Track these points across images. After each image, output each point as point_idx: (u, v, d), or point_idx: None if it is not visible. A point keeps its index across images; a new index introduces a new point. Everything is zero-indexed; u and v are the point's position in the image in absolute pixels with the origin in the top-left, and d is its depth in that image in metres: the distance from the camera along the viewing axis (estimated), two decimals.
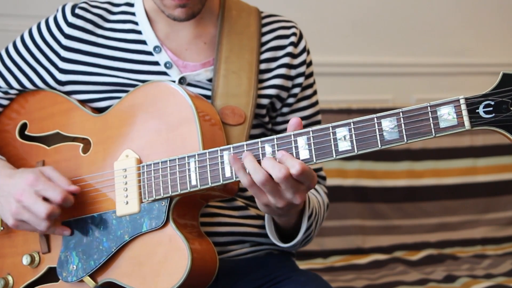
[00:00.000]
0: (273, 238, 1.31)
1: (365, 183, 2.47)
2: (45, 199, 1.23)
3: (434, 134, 1.01)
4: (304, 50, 1.44)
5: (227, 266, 1.33)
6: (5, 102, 1.46)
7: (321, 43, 2.61)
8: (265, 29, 1.43)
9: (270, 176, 1.08)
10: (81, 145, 1.33)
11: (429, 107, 1.02)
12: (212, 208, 1.34)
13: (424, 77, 2.89)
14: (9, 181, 1.26)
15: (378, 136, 1.04)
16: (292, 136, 1.10)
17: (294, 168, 1.06)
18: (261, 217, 1.41)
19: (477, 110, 0.99)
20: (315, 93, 1.48)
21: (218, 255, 1.31)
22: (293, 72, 1.42)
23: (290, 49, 1.42)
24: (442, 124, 1.01)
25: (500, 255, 2.37)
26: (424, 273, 2.15)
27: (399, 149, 2.52)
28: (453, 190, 2.56)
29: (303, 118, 1.43)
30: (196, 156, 1.16)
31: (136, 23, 1.39)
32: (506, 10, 3.00)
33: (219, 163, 1.14)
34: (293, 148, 1.09)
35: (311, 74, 1.47)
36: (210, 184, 1.15)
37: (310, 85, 1.46)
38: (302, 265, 1.95)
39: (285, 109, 1.43)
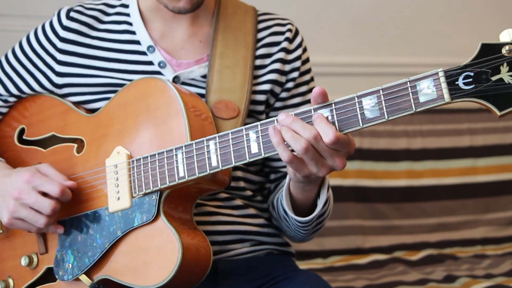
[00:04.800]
0: (290, 211, 1.28)
1: (365, 183, 2.47)
2: (44, 194, 1.23)
3: (414, 109, 1.00)
4: (300, 46, 1.44)
5: (227, 265, 1.33)
6: (4, 110, 1.47)
7: (321, 43, 2.61)
8: (260, 26, 1.43)
9: (311, 143, 1.05)
10: (75, 145, 1.34)
11: (408, 82, 1.01)
12: (211, 207, 1.34)
13: None
14: (6, 180, 1.27)
15: (359, 115, 1.03)
16: (276, 121, 1.09)
17: (328, 136, 1.03)
18: (261, 216, 1.42)
19: (456, 82, 0.98)
20: (310, 91, 1.47)
21: (217, 254, 1.31)
22: (287, 67, 1.42)
23: (284, 44, 1.42)
24: (422, 99, 0.99)
25: (500, 255, 2.36)
26: (424, 273, 2.14)
27: (399, 149, 2.52)
28: (453, 190, 2.55)
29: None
30: (183, 147, 1.17)
31: (130, 24, 1.40)
32: (506, 10, 3.00)
33: (206, 153, 1.15)
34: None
35: (307, 71, 1.46)
36: (197, 174, 1.15)
37: (306, 82, 1.46)
38: (302, 265, 1.95)
39: (278, 104, 1.43)
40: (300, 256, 2.02)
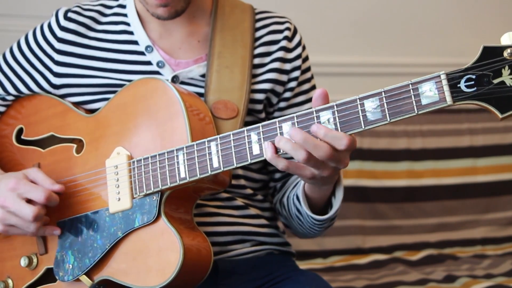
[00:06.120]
0: (309, 211, 1.28)
1: (365, 183, 2.47)
2: (30, 200, 1.23)
3: (416, 112, 1.01)
4: (299, 44, 1.44)
5: (227, 265, 1.33)
6: (2, 109, 1.47)
7: (321, 43, 2.61)
8: (258, 25, 1.43)
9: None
10: (75, 145, 1.34)
11: (410, 85, 1.01)
12: (212, 207, 1.34)
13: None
14: None
15: (361, 117, 1.04)
16: (277, 122, 1.10)
17: (342, 144, 1.04)
18: (262, 216, 1.42)
19: (458, 85, 0.99)
20: (313, 88, 1.48)
21: (218, 254, 1.31)
22: (288, 66, 1.42)
23: (284, 43, 1.42)
24: (424, 101, 1.00)
25: (500, 255, 2.36)
26: (424, 273, 2.14)
27: (399, 149, 2.52)
28: (453, 190, 2.55)
29: None
30: (184, 148, 1.17)
31: (128, 24, 1.40)
32: (506, 10, 3.00)
33: (207, 154, 1.15)
34: (279, 135, 1.09)
35: (308, 69, 1.46)
36: (198, 175, 1.15)
37: (308, 80, 1.46)
38: (302, 265, 1.95)
39: (282, 104, 1.43)
40: (300, 256, 2.02)
